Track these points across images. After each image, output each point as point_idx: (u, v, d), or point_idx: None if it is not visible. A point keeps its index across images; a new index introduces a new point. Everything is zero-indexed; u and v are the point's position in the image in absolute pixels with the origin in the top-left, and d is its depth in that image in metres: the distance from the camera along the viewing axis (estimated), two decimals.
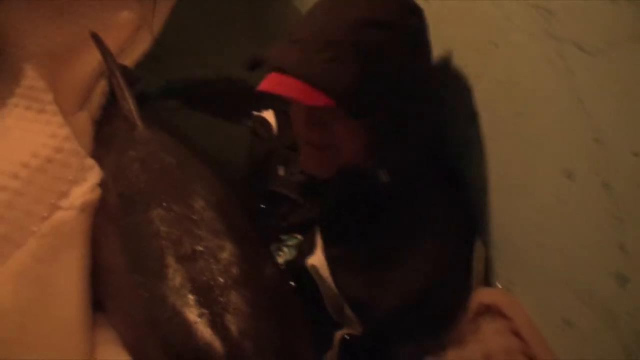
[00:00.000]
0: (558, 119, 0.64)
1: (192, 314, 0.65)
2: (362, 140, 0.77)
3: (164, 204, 0.77)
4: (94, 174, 0.86)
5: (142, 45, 1.18)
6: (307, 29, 0.74)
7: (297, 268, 0.81)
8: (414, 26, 0.77)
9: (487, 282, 0.82)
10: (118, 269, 0.75)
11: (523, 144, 0.71)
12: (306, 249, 0.82)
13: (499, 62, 0.74)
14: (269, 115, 1.00)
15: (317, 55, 0.70)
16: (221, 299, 0.66)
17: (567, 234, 0.66)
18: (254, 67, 0.77)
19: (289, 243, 0.85)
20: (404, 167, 0.80)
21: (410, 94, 0.76)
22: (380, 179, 0.79)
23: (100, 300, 0.77)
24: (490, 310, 0.76)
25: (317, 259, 0.79)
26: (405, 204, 0.80)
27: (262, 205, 0.91)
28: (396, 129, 0.76)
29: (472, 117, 0.82)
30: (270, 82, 0.73)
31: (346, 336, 0.76)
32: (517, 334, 0.73)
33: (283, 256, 0.84)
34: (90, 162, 0.88)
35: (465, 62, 0.82)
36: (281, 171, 0.91)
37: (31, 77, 1.00)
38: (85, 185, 0.84)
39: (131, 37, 1.19)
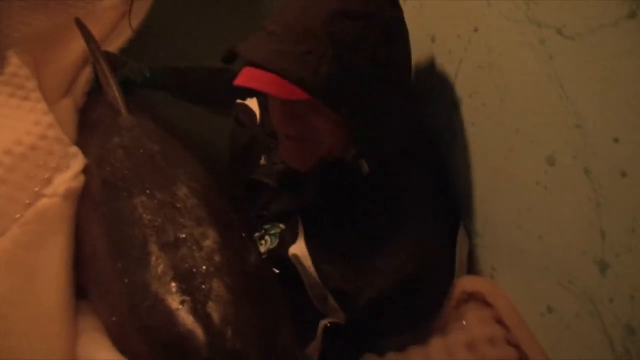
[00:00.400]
0: (539, 105, 0.64)
1: (174, 302, 0.65)
2: (340, 132, 0.76)
3: (147, 191, 0.77)
4: (78, 162, 0.85)
5: (126, 32, 1.18)
6: (281, 20, 0.73)
7: (279, 257, 0.81)
8: (391, 16, 0.75)
9: (470, 269, 0.82)
10: (101, 256, 0.75)
11: (505, 129, 0.71)
12: (288, 238, 0.82)
13: (481, 47, 0.74)
14: (252, 103, 0.99)
15: (292, 47, 0.69)
16: (203, 287, 0.66)
17: (548, 220, 0.66)
18: (230, 59, 0.77)
19: (271, 232, 0.84)
20: (384, 158, 0.79)
21: (388, 84, 0.75)
22: (361, 169, 0.78)
23: (83, 287, 0.77)
24: (473, 298, 0.76)
25: (299, 249, 0.79)
26: (387, 194, 0.80)
27: (244, 194, 0.91)
28: (375, 120, 0.75)
29: (454, 103, 0.82)
30: (245, 77, 0.72)
31: (329, 325, 0.76)
32: (500, 322, 0.73)
33: (265, 245, 0.84)
34: (73, 149, 0.87)
35: (448, 48, 0.82)
36: (263, 160, 0.91)
37: (14, 64, 0.99)
38: (69, 173, 0.84)
39: (115, 23, 1.18)
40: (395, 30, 0.76)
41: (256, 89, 0.71)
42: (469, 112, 0.79)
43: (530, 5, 0.63)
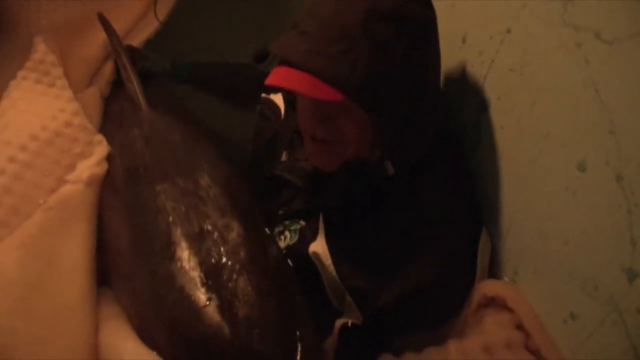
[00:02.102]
0: (572, 109, 0.63)
1: (201, 298, 0.65)
2: (369, 134, 0.76)
3: (169, 179, 0.77)
4: (101, 149, 0.86)
5: (152, 24, 1.18)
6: (315, 19, 0.73)
7: (299, 253, 0.81)
8: (424, 17, 0.75)
9: (492, 273, 0.81)
10: (124, 244, 0.75)
11: (535, 134, 0.70)
12: (308, 235, 0.82)
13: (513, 49, 0.73)
14: (277, 98, 0.99)
15: (327, 47, 0.69)
16: (229, 284, 0.66)
17: (575, 226, 0.65)
18: (261, 59, 0.77)
19: (292, 227, 0.84)
20: (410, 160, 0.79)
21: (419, 86, 0.75)
22: (387, 171, 0.78)
23: (106, 274, 0.77)
24: (493, 303, 0.75)
25: (319, 246, 0.79)
26: (411, 196, 0.79)
27: (266, 189, 0.91)
28: (405, 122, 0.74)
29: (483, 105, 0.81)
30: (277, 76, 0.71)
31: (346, 324, 0.76)
32: (520, 327, 0.72)
33: (285, 240, 0.83)
34: (98, 137, 0.88)
35: (479, 49, 0.81)
36: (284, 156, 0.91)
37: (41, 51, 1.00)
38: (92, 160, 0.85)
39: (141, 15, 1.18)
40: (428, 32, 0.76)
41: (289, 89, 0.71)
42: (497, 115, 0.78)
43: (568, 7, 0.62)
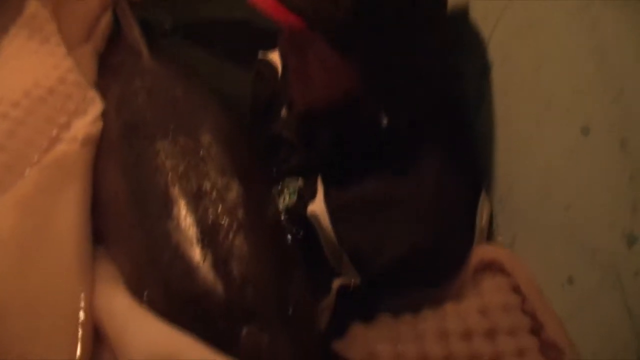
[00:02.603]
0: (577, 73, 0.62)
1: (196, 256, 0.65)
2: (349, 70, 0.75)
3: (170, 136, 0.76)
4: (96, 107, 0.85)
5: None
6: None
7: (298, 214, 0.80)
8: None
9: (490, 237, 0.81)
10: (120, 201, 0.74)
11: (538, 97, 0.69)
12: (307, 195, 0.81)
13: (519, 11, 0.72)
14: (274, 57, 0.98)
15: None
16: (225, 242, 0.66)
17: (576, 191, 0.65)
18: None
19: (290, 187, 0.84)
20: (403, 114, 0.78)
21: (416, 35, 0.73)
22: (380, 122, 0.77)
23: (101, 233, 0.76)
24: (491, 267, 0.75)
25: (317, 206, 0.78)
26: (410, 154, 0.79)
27: (264, 148, 0.90)
28: (400, 70, 0.73)
29: (485, 68, 0.80)
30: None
31: (344, 284, 0.76)
32: (516, 290, 0.73)
33: (283, 201, 0.83)
34: (92, 94, 0.87)
35: (483, 11, 0.79)
36: (284, 112, 0.90)
37: (34, 5, 0.97)
38: (87, 118, 0.83)
39: None
40: None
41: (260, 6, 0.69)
42: (500, 79, 0.77)
43: None
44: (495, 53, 0.78)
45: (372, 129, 0.78)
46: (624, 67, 0.57)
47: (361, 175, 0.79)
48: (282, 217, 0.81)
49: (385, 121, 0.77)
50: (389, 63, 0.72)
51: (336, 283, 0.76)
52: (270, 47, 0.98)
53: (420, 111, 0.80)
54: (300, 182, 0.84)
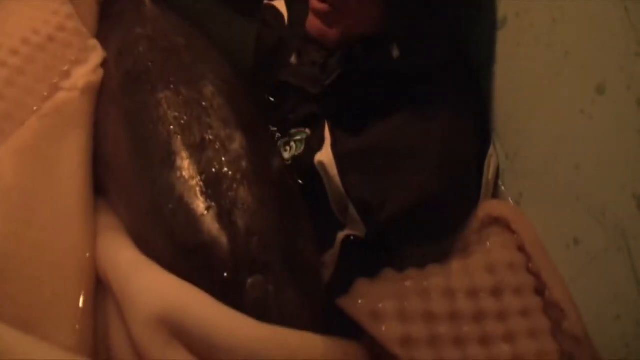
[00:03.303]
0: (597, 28, 0.60)
1: (199, 207, 0.64)
2: (373, 6, 0.74)
3: (172, 87, 0.74)
4: (97, 55, 0.83)
5: None
6: None
7: (304, 164, 0.80)
8: None
9: (496, 193, 0.80)
10: (121, 152, 0.74)
11: (553, 53, 0.67)
12: (315, 144, 0.80)
13: None
14: (279, 5, 0.96)
15: None
16: (229, 193, 0.65)
17: (587, 150, 0.63)
18: None
19: (297, 137, 0.82)
20: (418, 48, 0.77)
21: None
22: (391, 54, 0.76)
23: (103, 185, 0.76)
24: (497, 223, 0.75)
25: (325, 155, 0.77)
26: (419, 100, 0.78)
27: (270, 98, 0.89)
28: (425, 7, 0.73)
29: (499, 21, 0.77)
30: None
31: (348, 237, 0.76)
32: (522, 249, 0.72)
33: (290, 151, 0.82)
34: (92, 42, 0.84)
35: None
36: (294, 59, 0.88)
37: None
38: (88, 66, 0.81)
39: None
40: None
41: None
42: (514, 32, 0.75)
43: None
44: (508, 6, 0.75)
45: (383, 61, 0.76)
46: None
47: (370, 122, 0.78)
48: (289, 167, 0.80)
49: (396, 51, 0.75)
50: None
51: (341, 235, 0.76)
52: None
53: (433, 50, 0.79)
54: (308, 131, 0.82)
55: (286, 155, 0.82)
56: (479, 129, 0.81)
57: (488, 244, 0.72)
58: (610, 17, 0.58)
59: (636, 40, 0.55)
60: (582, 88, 0.62)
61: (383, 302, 0.65)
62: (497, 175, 0.80)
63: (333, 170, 0.76)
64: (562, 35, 0.66)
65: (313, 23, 0.80)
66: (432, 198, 0.74)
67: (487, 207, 0.76)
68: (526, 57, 0.73)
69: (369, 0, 0.74)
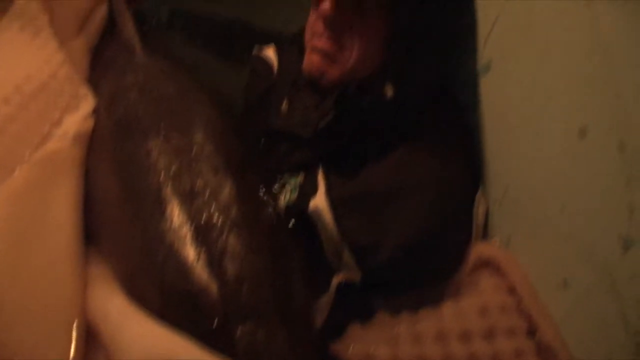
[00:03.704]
0: (578, 72, 0.62)
1: (190, 254, 0.64)
2: (372, 52, 0.76)
3: (163, 134, 0.74)
4: (88, 103, 0.83)
5: None
6: None
7: (299, 210, 0.80)
8: None
9: (486, 236, 0.81)
10: (112, 200, 0.74)
11: (537, 96, 0.69)
12: (308, 190, 0.81)
13: (519, 7, 0.71)
14: (269, 53, 0.97)
15: None
16: (220, 240, 0.65)
17: (573, 192, 0.64)
18: None
19: (291, 183, 0.83)
20: (411, 88, 0.78)
21: (440, 12, 0.75)
22: (385, 93, 0.77)
23: (93, 232, 0.75)
24: (488, 265, 0.75)
25: (319, 201, 0.78)
26: (410, 144, 0.79)
27: (262, 145, 0.89)
28: (416, 41, 0.75)
29: (484, 64, 0.79)
30: None
31: (343, 281, 0.76)
32: (512, 291, 0.73)
33: (284, 198, 0.83)
34: (84, 89, 0.85)
35: (483, 6, 0.78)
36: (284, 106, 0.89)
37: None
38: (79, 114, 0.82)
39: None
40: None
41: None
42: (499, 75, 0.76)
43: None
44: (493, 50, 0.77)
45: (377, 102, 0.77)
46: (624, 68, 0.56)
47: (362, 164, 0.79)
48: (283, 214, 0.80)
49: (390, 91, 0.76)
50: (414, 32, 0.74)
51: (336, 279, 0.76)
52: (264, 42, 0.98)
53: (425, 90, 0.80)
54: (300, 177, 0.83)
55: (281, 202, 0.82)
56: (468, 170, 0.82)
57: (479, 286, 0.73)
58: (587, 63, 0.59)
59: (616, 84, 0.56)
60: (566, 131, 0.64)
61: (376, 347, 0.65)
62: (486, 218, 0.81)
63: (328, 216, 0.77)
64: (545, 79, 0.67)
65: (314, 61, 0.80)
66: (426, 241, 0.74)
67: (478, 250, 0.77)
68: (511, 100, 0.74)
69: (369, 41, 0.75)
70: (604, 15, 0.57)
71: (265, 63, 0.96)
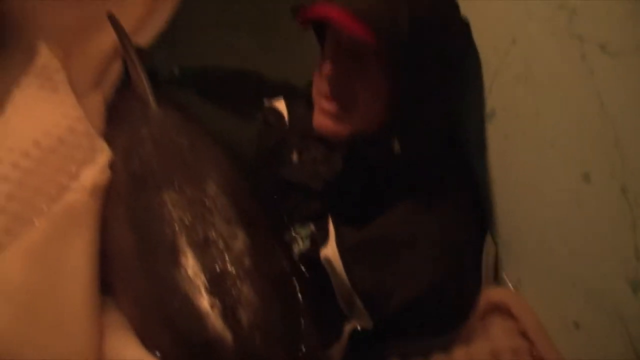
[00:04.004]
0: (577, 120, 0.64)
1: (204, 304, 0.65)
2: (381, 107, 0.77)
3: (177, 187, 0.77)
4: (104, 156, 0.86)
5: (155, 26, 1.18)
6: None
7: (311, 259, 0.81)
8: (456, 12, 0.81)
9: (496, 280, 0.81)
10: (127, 251, 0.75)
11: (540, 143, 0.70)
12: (319, 239, 0.82)
13: (518, 60, 0.73)
14: (279, 104, 0.99)
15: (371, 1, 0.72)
16: (233, 290, 0.67)
17: (580, 236, 0.65)
18: (297, 11, 0.79)
19: (302, 233, 0.84)
20: (417, 142, 0.79)
21: (443, 67, 0.76)
22: (392, 148, 0.78)
23: (109, 283, 0.77)
24: (498, 310, 0.76)
25: (330, 251, 0.79)
26: (418, 195, 0.80)
27: (274, 195, 0.91)
28: (420, 98, 0.76)
29: (487, 114, 0.81)
30: (316, 10, 0.74)
31: (356, 329, 0.76)
32: (524, 335, 0.73)
33: (298, 247, 0.84)
34: (100, 143, 0.88)
35: (484, 59, 0.81)
36: (295, 157, 0.90)
37: (45, 56, 1.00)
38: (96, 167, 0.84)
39: (145, 17, 1.18)
40: (459, 30, 0.80)
41: (329, 18, 0.73)
42: (502, 124, 0.78)
43: (573, 19, 0.62)
44: (496, 100, 0.79)
45: (384, 153, 0.78)
46: (622, 115, 0.58)
47: (372, 214, 0.80)
48: (297, 263, 0.82)
49: (397, 146, 0.78)
50: (419, 89, 0.75)
51: (348, 327, 0.77)
52: (274, 94, 1.00)
53: (430, 142, 0.81)
54: (312, 227, 0.84)
55: (294, 250, 0.83)
56: (476, 218, 0.83)
57: (490, 330, 0.73)
58: (587, 110, 0.61)
59: (613, 130, 0.58)
60: (569, 177, 0.65)
61: None
62: (495, 262, 0.81)
63: (338, 265, 0.78)
64: (546, 127, 0.69)
65: (323, 122, 0.81)
66: (435, 291, 0.75)
67: (488, 295, 0.77)
68: (515, 148, 0.76)
69: (375, 100, 0.77)
70: (598, 67, 0.60)
71: (277, 114, 0.98)
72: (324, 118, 0.81)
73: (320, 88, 0.81)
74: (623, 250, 0.58)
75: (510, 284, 0.79)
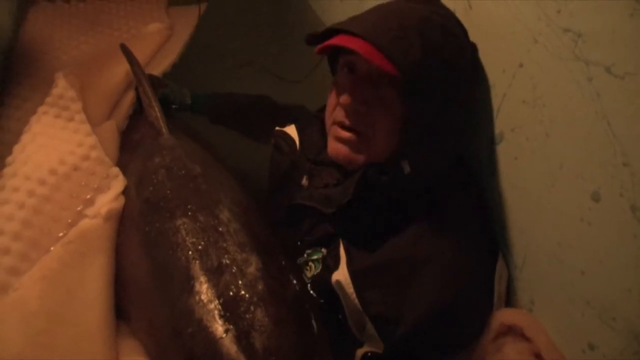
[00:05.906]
0: (585, 141, 0.65)
1: (218, 329, 0.66)
2: (396, 137, 0.78)
3: (190, 213, 0.78)
4: (118, 183, 0.87)
5: (169, 57, 1.21)
6: (375, 12, 0.79)
7: (323, 283, 0.81)
8: (465, 39, 0.83)
9: (509, 302, 0.81)
10: (142, 277, 0.76)
11: (548, 165, 0.71)
12: (331, 263, 0.82)
13: (526, 83, 0.74)
14: (291, 130, 1.00)
15: (385, 31, 0.73)
16: (247, 315, 0.67)
17: (591, 256, 0.65)
18: (313, 40, 0.81)
19: (314, 257, 0.85)
20: (427, 162, 0.80)
21: (454, 94, 0.77)
22: (402, 169, 0.78)
23: (123, 308, 0.78)
24: (511, 331, 0.75)
25: (341, 275, 0.79)
26: (429, 219, 0.80)
27: (286, 220, 0.91)
28: (431, 121, 0.77)
29: (496, 137, 0.82)
30: (339, 40, 0.75)
31: (367, 353, 0.76)
32: (538, 356, 0.72)
33: (310, 271, 0.84)
34: (115, 170, 0.90)
35: (492, 83, 0.82)
36: (305, 181, 0.91)
37: (61, 86, 1.02)
38: (110, 194, 0.86)
39: (158, 48, 1.21)
40: (467, 54, 0.81)
41: (352, 49, 0.74)
42: (511, 146, 0.79)
43: (579, 42, 0.63)
44: (505, 121, 0.80)
45: (394, 175, 0.79)
46: (629, 135, 0.59)
47: (383, 237, 0.80)
48: (309, 287, 0.82)
49: (407, 168, 0.78)
50: (431, 115, 0.77)
51: (360, 352, 0.77)
52: (286, 121, 1.02)
53: (440, 165, 0.82)
54: (324, 251, 0.85)
55: (307, 275, 0.84)
56: (487, 238, 0.83)
57: (503, 352, 0.73)
58: (595, 131, 0.62)
59: (620, 151, 0.59)
60: (579, 197, 0.66)
61: None
62: (508, 284, 0.81)
63: (350, 288, 0.78)
64: (555, 148, 0.70)
65: (340, 150, 0.81)
66: (446, 313, 0.74)
67: (501, 316, 0.77)
68: (524, 169, 0.77)
69: (391, 127, 0.77)
70: (604, 89, 0.61)
71: (288, 138, 0.99)
72: (341, 146, 0.81)
73: (336, 116, 0.81)
74: (634, 269, 0.59)
75: (523, 306, 0.79)
